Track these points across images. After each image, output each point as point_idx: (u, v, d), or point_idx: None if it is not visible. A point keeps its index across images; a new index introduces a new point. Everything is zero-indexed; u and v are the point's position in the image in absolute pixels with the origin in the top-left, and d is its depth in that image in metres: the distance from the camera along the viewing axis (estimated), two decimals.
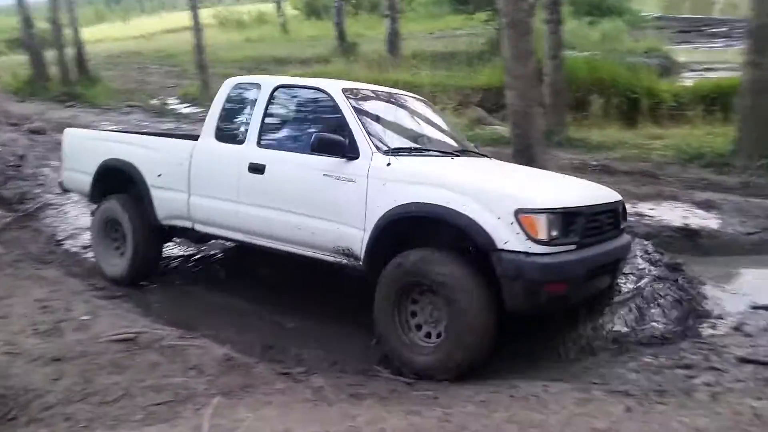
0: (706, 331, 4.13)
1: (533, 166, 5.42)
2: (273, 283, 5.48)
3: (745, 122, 7.32)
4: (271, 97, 4.68)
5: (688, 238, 5.86)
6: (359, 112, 4.31)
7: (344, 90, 4.47)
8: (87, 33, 20.80)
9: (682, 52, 17.66)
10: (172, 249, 6.20)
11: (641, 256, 4.86)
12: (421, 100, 5.37)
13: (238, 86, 4.96)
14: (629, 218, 4.86)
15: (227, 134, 4.84)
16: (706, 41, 20.17)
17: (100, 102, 14.98)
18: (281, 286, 5.40)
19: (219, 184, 4.74)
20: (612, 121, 10.57)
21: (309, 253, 4.32)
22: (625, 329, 4.08)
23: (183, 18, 22.47)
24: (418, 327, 3.87)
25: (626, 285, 4.48)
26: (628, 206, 4.66)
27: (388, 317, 3.89)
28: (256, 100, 4.71)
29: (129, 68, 20.88)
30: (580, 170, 7.64)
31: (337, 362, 4.05)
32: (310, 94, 4.62)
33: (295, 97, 4.73)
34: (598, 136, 9.25)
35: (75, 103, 15.40)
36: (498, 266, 3.52)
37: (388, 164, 3.98)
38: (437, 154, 4.53)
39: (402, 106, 5.02)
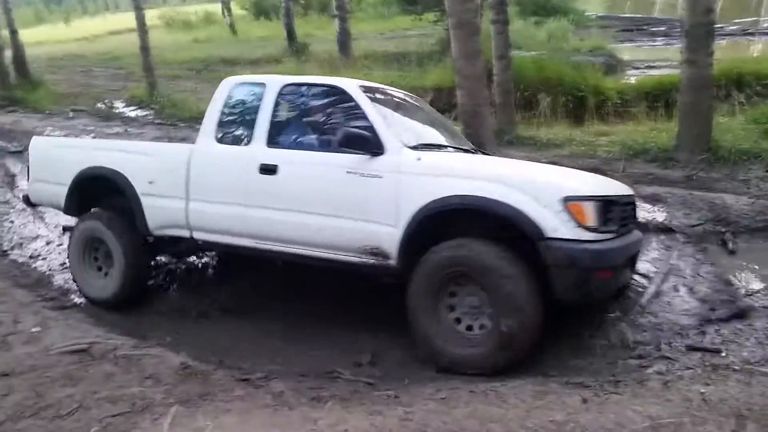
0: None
1: None
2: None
3: (685, 118, 7.58)
4: (279, 96, 4.51)
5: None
6: (378, 108, 4.24)
7: (361, 87, 4.40)
8: (26, 35, 20.04)
9: (625, 51, 18.18)
10: None
11: None
12: (419, 99, 5.34)
13: (238, 86, 4.76)
14: None
15: (230, 136, 4.63)
16: (648, 40, 20.81)
17: (43, 106, 14.45)
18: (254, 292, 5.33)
19: (223, 187, 4.52)
20: (560, 119, 10.79)
21: (330, 255, 4.15)
22: None
23: (128, 19, 21.88)
24: (458, 320, 3.80)
25: None
26: None
27: (428, 312, 3.79)
28: (261, 100, 4.53)
29: (73, 71, 20.21)
30: None
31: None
32: (323, 92, 4.47)
33: (305, 95, 4.54)
34: (547, 134, 9.43)
35: (16, 108, 14.82)
36: (548, 255, 3.49)
37: (419, 159, 3.94)
38: (455, 150, 4.53)
39: (408, 103, 4.99)
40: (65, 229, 5.62)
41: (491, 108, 9.05)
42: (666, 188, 6.50)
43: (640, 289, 4.62)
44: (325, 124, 4.38)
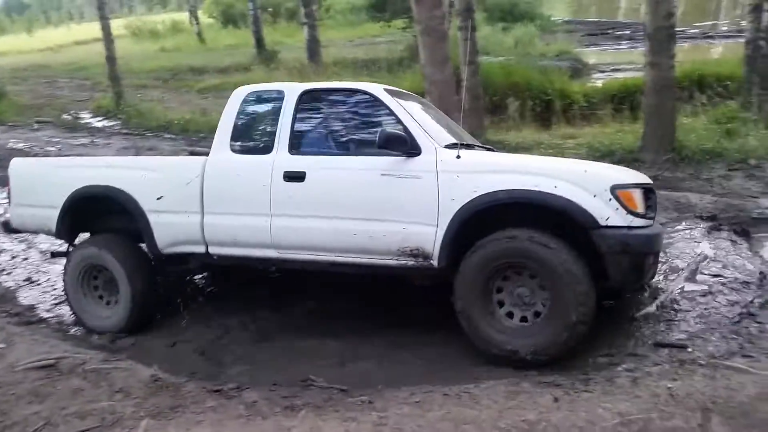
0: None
1: None
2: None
3: (650, 119, 7.75)
4: (299, 102, 4.43)
5: None
6: (405, 110, 4.22)
7: (385, 89, 4.38)
8: None
9: (591, 54, 18.51)
10: None
11: None
12: (427, 101, 5.33)
13: (251, 96, 4.63)
14: None
15: (247, 145, 4.51)
16: (613, 43, 21.21)
17: (6, 118, 14.18)
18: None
19: (244, 198, 4.37)
20: (528, 122, 10.94)
21: (365, 260, 4.08)
22: None
23: (93, 29, 21.61)
24: (510, 315, 3.80)
25: None
26: None
27: (480, 306, 3.77)
28: (280, 107, 4.44)
29: (37, 82, 19.87)
30: None
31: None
32: (347, 97, 4.43)
33: (327, 101, 4.48)
34: (516, 137, 9.55)
35: None
36: (602, 243, 3.55)
37: (458, 156, 3.92)
38: (481, 147, 4.54)
39: (424, 105, 4.96)
40: (54, 254, 5.29)
41: (461, 113, 9.14)
42: None
43: None
44: (353, 128, 4.36)
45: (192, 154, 10.41)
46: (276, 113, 4.44)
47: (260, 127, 4.54)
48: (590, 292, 3.57)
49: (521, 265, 3.72)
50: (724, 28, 20.41)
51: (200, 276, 5.65)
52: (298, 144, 4.35)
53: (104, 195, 4.73)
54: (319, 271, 4.41)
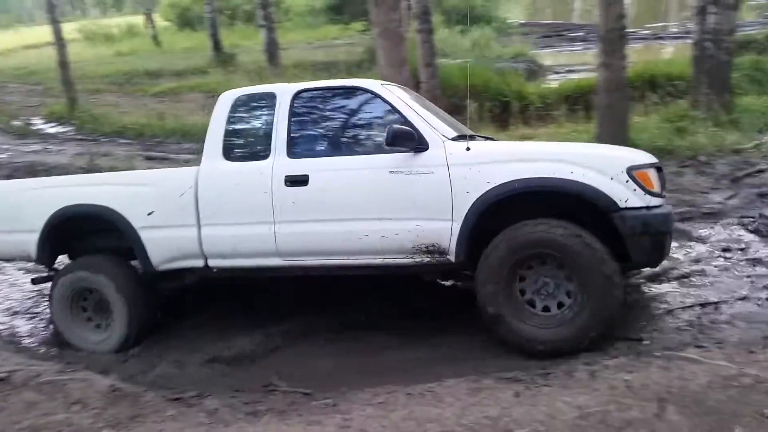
0: None
1: None
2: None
3: (603, 119, 7.93)
4: (293, 103, 4.29)
5: None
6: (406, 105, 4.15)
7: (383, 85, 4.31)
8: None
9: (546, 56, 18.85)
10: None
11: None
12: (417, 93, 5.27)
13: (240, 99, 4.46)
14: None
15: (241, 152, 4.35)
16: (567, 45, 21.62)
17: None
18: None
19: (243, 207, 4.21)
20: (486, 123, 11.05)
21: (378, 260, 4.01)
22: None
23: (44, 33, 21.01)
24: (531, 303, 3.77)
25: None
26: None
27: (503, 299, 3.73)
28: (273, 110, 4.30)
29: None
30: None
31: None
32: (344, 95, 4.35)
33: (323, 100, 4.37)
34: None
35: None
36: (623, 225, 3.56)
37: (468, 149, 3.87)
38: (482, 138, 4.51)
39: (418, 98, 4.85)
40: (36, 281, 5.01)
41: None
42: None
43: None
44: (353, 126, 4.28)
45: (148, 158, 10.28)
46: (269, 116, 4.30)
47: (254, 132, 4.40)
48: (619, 278, 3.61)
49: (547, 255, 3.69)
50: (674, 30, 21.01)
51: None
52: (296, 147, 4.21)
53: (88, 214, 4.50)
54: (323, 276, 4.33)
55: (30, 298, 5.65)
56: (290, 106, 4.28)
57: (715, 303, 4.16)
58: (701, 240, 5.37)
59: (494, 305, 3.74)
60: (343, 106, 4.34)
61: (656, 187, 3.70)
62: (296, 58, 17.85)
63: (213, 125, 4.42)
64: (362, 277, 4.29)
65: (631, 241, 3.60)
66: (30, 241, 4.62)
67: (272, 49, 17.47)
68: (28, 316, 5.31)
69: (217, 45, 19.59)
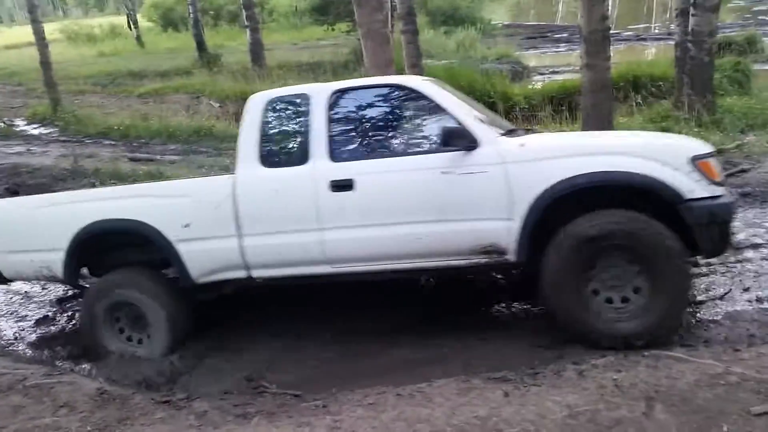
0: None
1: None
2: None
3: (588, 119, 7.98)
4: (329, 105, 4.12)
5: None
6: (453, 101, 4.03)
7: (424, 81, 4.17)
8: None
9: (530, 57, 18.99)
10: None
11: None
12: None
13: (272, 103, 4.27)
14: None
15: (278, 158, 4.17)
16: (551, 46, 21.79)
17: None
18: None
19: (286, 214, 4.03)
20: None
21: (432, 263, 3.92)
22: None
23: (25, 33, 20.79)
24: (601, 297, 3.66)
25: None
26: None
27: (572, 294, 3.61)
28: (308, 112, 4.12)
29: None
30: None
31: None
32: (384, 93, 4.19)
33: (362, 100, 4.20)
34: None
35: None
36: (690, 216, 3.49)
37: (522, 144, 3.79)
38: (523, 132, 4.37)
39: (457, 93, 4.55)
40: (62, 300, 4.87)
41: None
42: None
43: None
44: (397, 126, 4.17)
45: (132, 160, 10.20)
46: (305, 119, 4.13)
47: (289, 136, 4.23)
48: (690, 269, 3.61)
49: (617, 247, 3.58)
50: (656, 31, 21.26)
51: None
52: (337, 150, 4.04)
53: (119, 230, 4.29)
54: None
55: (14, 301, 5.58)
56: (327, 107, 4.12)
57: (702, 302, 4.22)
58: None
59: (563, 300, 3.65)
60: (383, 106, 4.19)
61: (718, 177, 3.63)
62: (281, 58, 17.83)
63: (245, 130, 4.23)
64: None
65: (699, 232, 3.53)
66: (53, 261, 4.40)
67: (257, 50, 17.41)
68: (13, 319, 5.23)
69: (201, 46, 19.50)
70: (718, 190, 3.57)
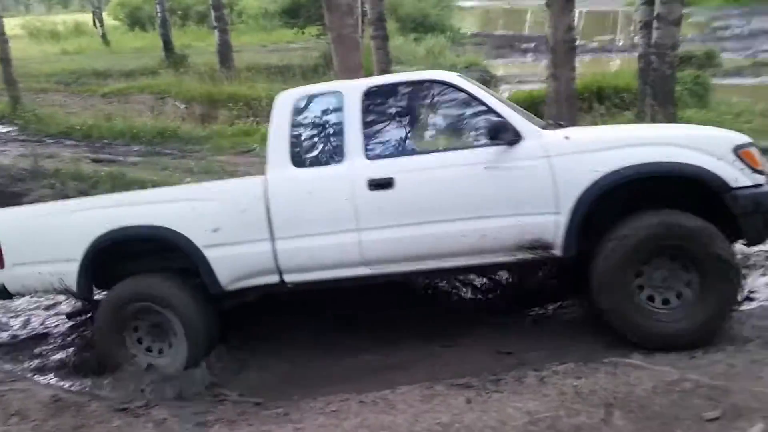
0: None
1: None
2: None
3: None
4: (364, 101, 4.00)
5: None
6: (491, 96, 4.00)
7: (460, 77, 4.11)
8: None
9: (498, 66, 19.20)
10: None
11: None
12: None
13: (302, 101, 4.14)
14: None
15: (311, 157, 4.04)
16: (519, 56, 22.08)
17: None
18: None
19: (322, 215, 3.90)
20: None
21: (475, 261, 3.84)
22: None
23: None
24: (649, 298, 3.66)
25: None
26: None
27: (624, 294, 3.59)
28: (341, 110, 4.01)
29: None
30: None
31: None
32: (421, 89, 4.11)
33: (396, 95, 4.10)
34: None
35: None
36: (736, 205, 3.51)
37: (567, 137, 3.78)
38: (555, 127, 4.34)
39: (485, 88, 4.47)
40: (69, 316, 4.66)
41: None
42: None
43: None
44: (435, 122, 4.11)
45: (94, 161, 9.99)
46: (338, 116, 4.02)
47: (322, 135, 4.11)
48: (740, 270, 3.66)
49: (669, 246, 3.60)
50: (620, 43, 21.72)
51: None
52: (373, 148, 3.96)
53: (141, 237, 4.10)
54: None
55: None
56: (361, 104, 4.01)
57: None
58: None
59: (615, 301, 3.62)
60: (420, 101, 4.13)
61: (761, 165, 3.66)
62: (250, 60, 17.68)
63: (275, 130, 4.11)
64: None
65: (744, 221, 3.57)
66: (66, 272, 4.13)
67: (225, 51, 17.23)
68: None
69: (168, 46, 19.23)
70: (760, 179, 3.62)
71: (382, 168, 3.86)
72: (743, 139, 3.76)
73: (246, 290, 4.14)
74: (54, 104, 14.81)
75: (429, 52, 18.45)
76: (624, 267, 3.60)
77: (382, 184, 3.82)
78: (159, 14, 19.81)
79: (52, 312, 5.30)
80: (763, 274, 4.68)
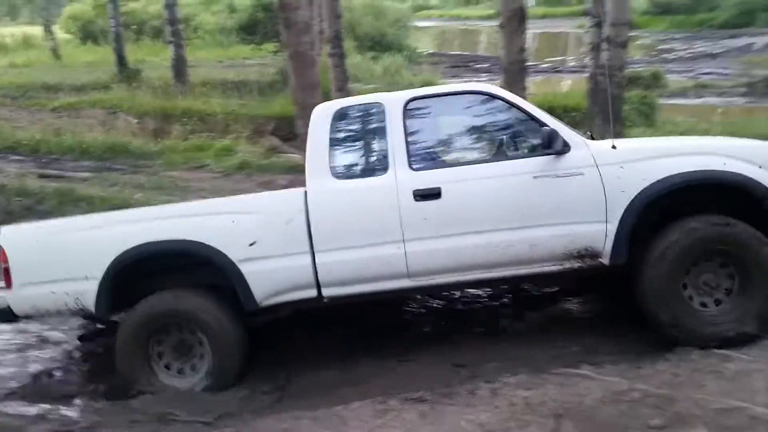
0: None
1: None
2: None
3: None
4: (405, 113, 4.02)
5: None
6: (535, 108, 4.04)
7: (500, 88, 4.14)
8: None
9: (453, 85, 19.44)
10: None
11: None
12: None
13: (340, 113, 4.12)
14: None
15: (353, 169, 4.04)
16: (473, 75, 22.38)
17: None
18: None
19: (366, 227, 3.88)
20: None
21: (523, 271, 3.87)
22: None
23: None
24: (698, 302, 3.76)
25: None
26: None
27: (676, 299, 3.68)
28: (383, 122, 4.01)
29: None
30: None
31: None
32: (464, 101, 4.15)
33: (438, 107, 4.17)
34: None
35: None
36: None
37: (614, 147, 3.86)
38: (590, 138, 4.35)
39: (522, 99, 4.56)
40: (83, 338, 4.45)
41: None
42: None
43: None
44: (480, 133, 4.15)
45: (42, 176, 9.69)
46: (380, 128, 4.03)
47: (364, 146, 4.10)
48: None
49: (716, 252, 3.73)
50: (572, 64, 22.31)
51: None
52: (417, 159, 3.97)
53: (170, 252, 3.96)
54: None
55: None
56: (403, 115, 4.02)
57: None
58: None
59: (668, 307, 3.70)
60: (461, 112, 4.18)
61: None
62: (205, 76, 17.49)
63: (314, 142, 4.07)
64: None
65: None
66: (85, 291, 3.95)
67: (180, 66, 17.01)
68: None
69: (121, 60, 18.87)
70: None
71: (428, 178, 3.89)
72: None
73: (277, 307, 4.05)
74: (0, 118, 14.35)
75: (386, 70, 18.59)
76: (676, 272, 3.71)
77: (428, 195, 3.84)
78: (113, 28, 19.45)
79: None
80: None
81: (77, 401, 3.96)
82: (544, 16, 34.41)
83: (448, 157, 4.11)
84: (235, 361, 3.98)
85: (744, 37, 24.14)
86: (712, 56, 21.29)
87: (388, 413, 3.23)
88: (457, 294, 5.00)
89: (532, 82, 9.06)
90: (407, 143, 3.98)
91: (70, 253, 4.02)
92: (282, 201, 4.05)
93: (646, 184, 3.71)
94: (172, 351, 4.03)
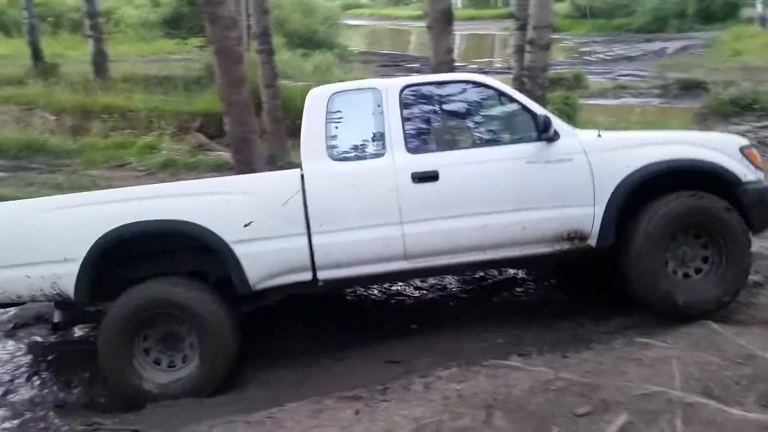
0: None
1: None
2: None
3: None
4: (401, 99, 4.11)
5: None
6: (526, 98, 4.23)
7: (492, 79, 4.33)
8: None
9: None
10: None
11: None
12: None
13: (337, 97, 4.14)
14: None
15: (350, 151, 4.06)
16: (404, 74, 22.57)
17: None
18: None
19: (364, 209, 3.93)
20: None
21: (515, 253, 4.02)
22: None
23: None
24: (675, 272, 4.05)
25: None
26: None
27: (661, 266, 3.95)
28: (380, 106, 4.08)
29: None
30: None
31: None
32: (457, 89, 4.27)
33: (433, 95, 4.25)
34: None
35: None
36: (745, 197, 4.00)
37: (600, 136, 4.12)
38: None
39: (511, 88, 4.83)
40: (56, 327, 4.16)
41: (263, 134, 9.11)
42: None
43: None
44: (474, 119, 4.27)
45: None
46: (377, 113, 4.09)
47: (361, 130, 4.12)
48: (750, 245, 4.05)
49: (694, 224, 4.00)
50: (498, 65, 22.83)
51: None
52: (415, 143, 4.08)
53: (159, 233, 3.82)
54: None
55: None
56: (399, 100, 4.12)
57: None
58: None
59: (648, 272, 3.94)
60: (456, 100, 4.29)
61: (761, 163, 4.18)
62: (127, 71, 16.85)
63: (309, 125, 4.10)
64: None
65: (753, 211, 4.05)
66: (63, 274, 3.75)
67: (100, 61, 16.32)
68: None
69: (36, 54, 17.90)
70: (760, 175, 4.16)
71: (426, 161, 4.00)
72: (745, 140, 4.38)
73: (266, 292, 4.01)
74: None
75: (317, 68, 18.46)
76: (660, 244, 3.97)
77: (426, 177, 3.93)
78: (26, 20, 18.44)
79: None
80: None
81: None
82: (471, 19, 35.08)
83: (443, 142, 4.24)
84: (228, 349, 3.88)
85: (658, 41, 25.42)
86: (630, 59, 22.25)
87: (323, 413, 3.22)
88: (393, 289, 5.05)
89: None
90: (404, 127, 4.08)
91: (47, 233, 3.82)
92: (278, 182, 4.03)
93: (630, 170, 3.99)
94: (160, 346, 3.91)
